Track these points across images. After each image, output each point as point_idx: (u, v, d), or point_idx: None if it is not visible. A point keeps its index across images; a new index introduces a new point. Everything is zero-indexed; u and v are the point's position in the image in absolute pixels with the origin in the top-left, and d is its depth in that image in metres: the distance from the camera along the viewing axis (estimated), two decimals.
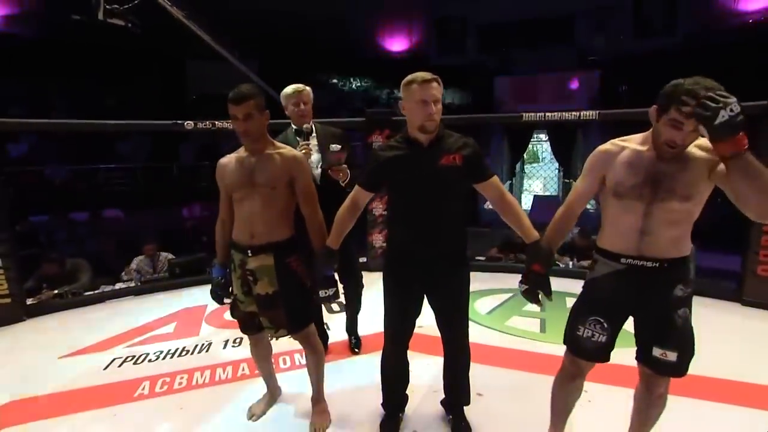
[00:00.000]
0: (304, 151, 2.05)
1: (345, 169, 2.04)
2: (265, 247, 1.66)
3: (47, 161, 8.33)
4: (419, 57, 12.43)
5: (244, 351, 2.54)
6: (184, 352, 2.58)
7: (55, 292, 3.59)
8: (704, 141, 1.28)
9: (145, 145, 10.36)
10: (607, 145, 1.42)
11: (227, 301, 1.81)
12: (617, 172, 1.35)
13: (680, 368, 1.37)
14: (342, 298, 2.40)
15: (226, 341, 2.70)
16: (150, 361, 2.50)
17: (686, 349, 1.36)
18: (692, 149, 1.27)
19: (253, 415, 1.93)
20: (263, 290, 1.68)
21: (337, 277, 1.73)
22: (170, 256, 4.24)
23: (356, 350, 2.47)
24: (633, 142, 1.37)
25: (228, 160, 1.72)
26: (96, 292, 3.66)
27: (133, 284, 3.90)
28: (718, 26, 9.78)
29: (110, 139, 9.82)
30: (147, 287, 3.78)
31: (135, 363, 2.47)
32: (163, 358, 2.51)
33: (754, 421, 1.85)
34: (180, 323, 3.03)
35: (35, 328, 3.10)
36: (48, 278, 3.67)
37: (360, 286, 2.46)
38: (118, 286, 3.96)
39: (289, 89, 2.22)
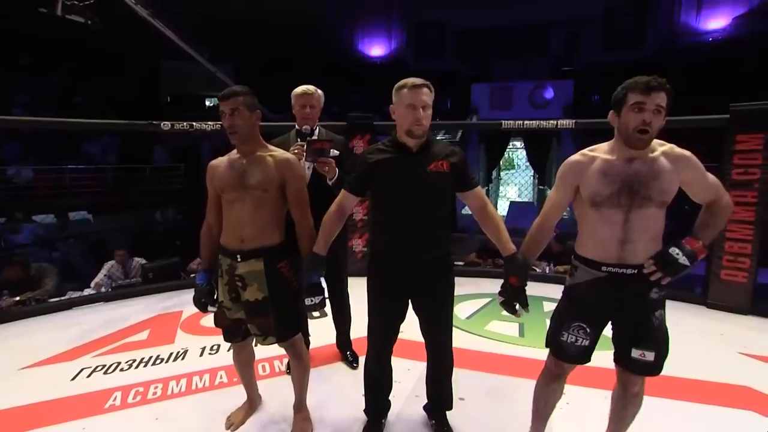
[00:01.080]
0: (296, 150, 2.01)
1: (332, 164, 1.97)
2: (255, 252, 1.62)
3: (8, 161, 7.94)
4: (397, 62, 12.54)
5: (222, 358, 2.49)
6: (158, 361, 2.49)
7: (17, 298, 3.41)
8: (671, 148, 1.36)
9: (114, 145, 10.03)
10: (576, 156, 1.47)
11: (212, 309, 1.74)
12: (592, 183, 1.40)
13: (656, 367, 1.42)
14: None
15: (203, 348, 2.62)
16: (122, 370, 2.39)
17: (662, 349, 1.42)
18: (661, 158, 1.34)
19: (232, 424, 1.87)
20: (252, 296, 1.64)
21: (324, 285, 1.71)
22: (143, 261, 4.10)
23: (355, 365, 2.37)
24: (601, 152, 1.43)
25: (219, 162, 1.69)
26: (63, 298, 3.50)
27: (103, 290, 3.75)
28: (681, 42, 10.31)
29: (77, 138, 9.45)
30: (118, 293, 3.64)
31: (105, 373, 2.37)
32: (136, 367, 2.41)
33: (719, 417, 1.94)
34: (154, 330, 2.92)
35: None
36: (10, 283, 3.48)
37: (347, 298, 2.42)
38: (87, 292, 3.81)
39: (299, 90, 2.20)
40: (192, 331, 2.90)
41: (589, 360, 1.51)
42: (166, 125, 3.40)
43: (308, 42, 11.43)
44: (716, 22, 10.33)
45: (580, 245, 1.49)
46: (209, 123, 3.57)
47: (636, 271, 1.37)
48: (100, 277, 4.00)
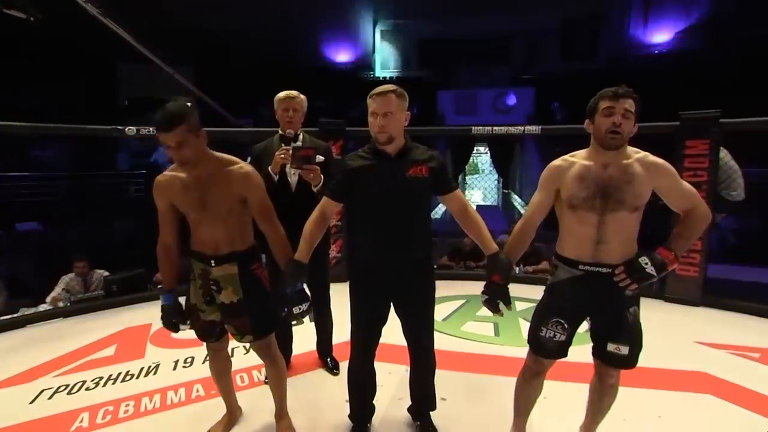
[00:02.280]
0: (282, 155, 2.00)
1: (317, 171, 1.94)
2: (228, 256, 1.61)
3: None
4: (363, 69, 12.63)
5: (197, 371, 2.41)
6: (128, 377, 2.37)
7: None
8: (645, 155, 1.46)
9: (67, 151, 9.47)
10: (558, 161, 1.56)
11: (184, 327, 1.70)
12: (570, 186, 1.49)
13: (631, 360, 1.52)
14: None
15: (176, 362, 2.52)
16: (88, 389, 2.26)
17: (636, 343, 1.51)
18: (635, 165, 1.44)
19: None
20: (228, 299, 1.62)
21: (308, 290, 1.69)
22: (105, 273, 3.89)
23: (336, 371, 2.36)
24: (579, 158, 1.52)
25: (169, 179, 1.57)
26: (15, 315, 3.26)
27: (61, 305, 3.53)
28: (631, 54, 11.03)
29: (23, 145, 8.85)
30: (79, 308, 3.42)
31: (69, 393, 2.23)
32: (104, 385, 2.29)
33: (680, 401, 2.08)
34: (121, 345, 2.78)
35: None
36: None
37: (329, 304, 2.40)
38: (42, 308, 3.57)
39: (281, 94, 2.18)
40: (163, 344, 2.78)
41: (566, 355, 1.58)
42: (131, 130, 3.27)
43: (272, 47, 11.31)
44: (661, 36, 11.13)
45: (559, 245, 1.57)
46: None
47: (610, 270, 1.45)
48: (57, 291, 3.77)
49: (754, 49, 8.87)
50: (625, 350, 1.49)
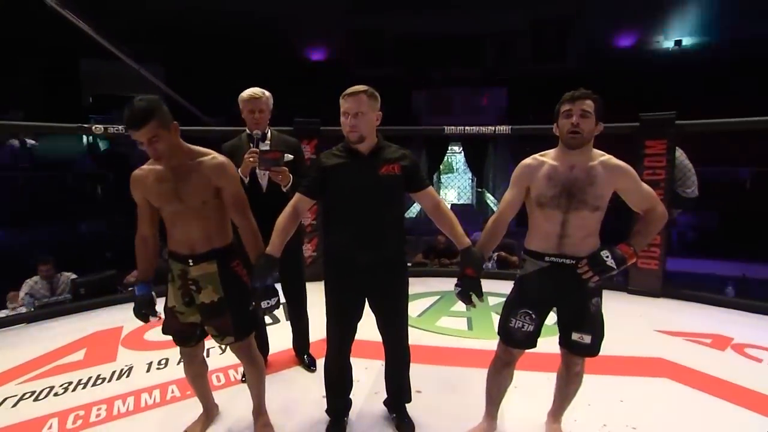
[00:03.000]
0: (251, 158, 1.99)
1: (285, 172, 1.96)
2: (207, 254, 1.60)
3: None
4: (337, 67, 12.58)
5: (172, 372, 2.38)
6: (99, 381, 2.32)
7: None
8: (608, 158, 1.56)
9: (24, 150, 9.03)
10: (528, 160, 1.65)
11: (153, 318, 1.68)
12: (539, 185, 1.58)
13: (594, 348, 1.62)
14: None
15: (150, 364, 2.48)
16: (56, 394, 2.20)
17: (598, 333, 1.61)
18: (598, 167, 1.53)
19: None
20: (208, 298, 1.61)
21: (279, 287, 1.71)
22: (73, 275, 3.76)
23: (312, 368, 2.38)
24: (549, 158, 1.61)
25: (144, 173, 1.57)
26: None
27: (24, 311, 3.39)
28: (599, 56, 11.45)
29: None
30: (45, 312, 3.30)
31: (36, 399, 2.16)
32: (74, 390, 2.23)
33: (638, 385, 2.21)
34: (91, 349, 2.71)
35: None
36: None
37: (305, 302, 2.40)
38: (4, 314, 3.43)
39: (246, 94, 2.12)
40: (136, 346, 2.73)
41: (535, 345, 1.67)
42: (98, 128, 3.17)
43: (245, 44, 11.12)
44: (625, 40, 11.60)
45: (527, 240, 1.67)
46: None
47: (574, 262, 1.55)
48: (20, 296, 3.62)
49: (718, 51, 9.40)
50: (587, 339, 1.59)
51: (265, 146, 2.12)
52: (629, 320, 3.11)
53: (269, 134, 2.21)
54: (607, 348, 2.52)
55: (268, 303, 1.60)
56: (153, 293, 1.68)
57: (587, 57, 11.54)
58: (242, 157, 2.02)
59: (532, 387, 2.13)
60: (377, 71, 12.43)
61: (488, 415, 1.84)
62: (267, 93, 2.18)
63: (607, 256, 1.50)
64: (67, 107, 10.13)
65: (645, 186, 1.58)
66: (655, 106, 3.63)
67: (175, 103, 8.49)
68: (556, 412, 1.81)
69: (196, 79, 10.32)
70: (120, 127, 3.31)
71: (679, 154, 3.46)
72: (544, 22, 12.14)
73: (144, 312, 1.66)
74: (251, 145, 2.11)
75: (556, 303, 1.65)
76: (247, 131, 2.19)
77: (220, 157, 1.59)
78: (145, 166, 1.58)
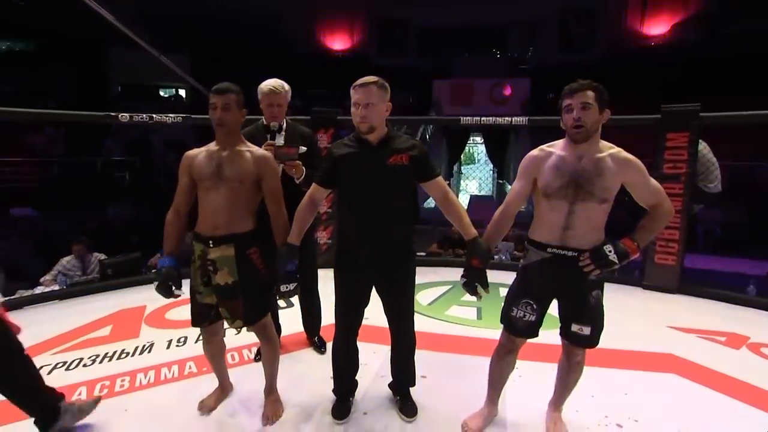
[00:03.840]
0: (267, 148, 2.04)
1: (299, 165, 2.05)
2: (226, 237, 1.70)
3: None
4: (359, 57, 12.55)
5: (190, 349, 2.51)
6: (123, 355, 2.47)
7: None
8: (618, 151, 1.55)
9: (61, 137, 9.44)
10: (536, 151, 1.65)
11: (177, 292, 1.75)
12: (546, 176, 1.58)
13: (593, 340, 1.63)
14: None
15: (170, 341, 2.62)
16: (85, 365, 2.36)
17: (597, 324, 1.62)
18: (607, 159, 1.52)
19: (205, 408, 1.93)
20: (223, 280, 1.71)
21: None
22: (102, 256, 3.97)
23: (322, 350, 2.47)
24: (557, 148, 1.61)
25: (196, 152, 1.76)
26: (13, 297, 3.35)
27: (57, 288, 3.61)
28: (627, 45, 11.04)
29: (16, 130, 8.82)
30: (76, 291, 3.51)
31: (67, 369, 2.33)
32: (101, 362, 2.39)
33: (647, 380, 2.21)
34: (117, 325, 2.88)
35: None
36: None
37: (316, 287, 2.49)
38: (39, 290, 3.65)
39: (266, 87, 2.16)
40: (157, 324, 2.88)
41: (536, 335, 1.70)
42: (124, 117, 3.31)
43: (269, 35, 11.23)
44: (658, 27, 11.14)
45: (531, 231, 1.68)
46: (170, 115, 3.52)
47: (576, 254, 1.55)
48: (53, 273, 3.85)
49: (747, 44, 8.93)
50: (587, 330, 1.60)
51: (280, 138, 2.19)
52: (641, 315, 3.08)
53: (284, 124, 2.26)
54: (615, 341, 2.55)
55: (287, 287, 1.72)
56: (177, 267, 1.76)
57: (616, 45, 11.14)
58: (259, 144, 2.09)
59: (535, 376, 2.16)
60: (399, 61, 12.37)
61: (489, 401, 1.88)
62: (287, 87, 2.22)
63: (610, 251, 1.51)
64: (95, 96, 10.49)
65: (653, 181, 1.56)
66: (684, 97, 3.50)
67: (199, 92, 8.68)
68: (557, 401, 1.84)
69: (220, 69, 10.52)
70: (145, 115, 3.45)
71: (702, 147, 3.35)
72: (571, 11, 11.79)
73: (169, 284, 1.72)
74: (267, 136, 2.17)
75: (557, 294, 1.66)
76: (263, 121, 2.25)
77: (267, 152, 1.81)
78: (199, 148, 1.78)
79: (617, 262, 1.51)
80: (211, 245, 1.70)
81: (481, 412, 1.87)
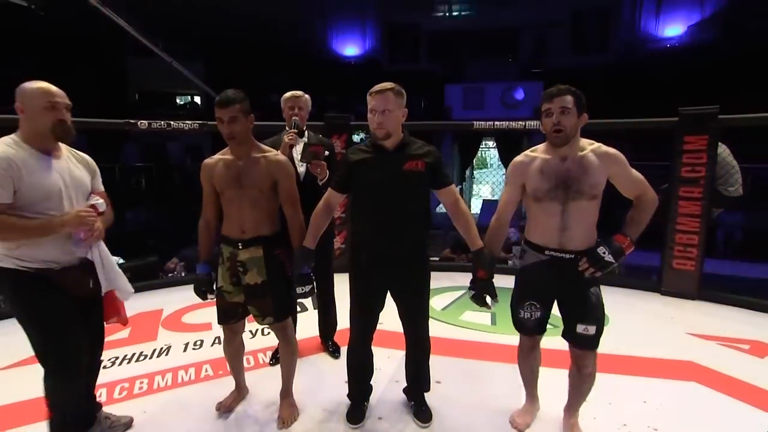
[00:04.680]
0: (290, 137, 2.13)
1: (324, 166, 2.10)
2: (255, 240, 1.75)
3: None
4: (371, 63, 12.63)
5: (206, 353, 2.55)
6: (141, 357, 2.52)
7: None
8: (598, 146, 1.58)
9: (80, 144, 9.67)
10: (520, 157, 1.70)
11: (211, 297, 1.86)
12: (533, 180, 1.62)
13: (596, 341, 1.63)
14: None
15: (186, 344, 2.66)
16: (105, 367, 2.39)
17: (600, 324, 1.62)
18: (590, 155, 1.56)
19: (221, 408, 1.96)
20: (253, 280, 1.76)
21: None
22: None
23: (336, 355, 2.49)
24: (540, 152, 1.65)
25: (214, 161, 1.79)
26: None
27: None
28: (641, 48, 10.90)
29: None
30: None
31: None
32: (119, 364, 2.44)
33: (666, 388, 2.16)
34: (135, 328, 2.92)
35: None
36: None
37: (332, 292, 2.51)
38: None
39: (288, 93, 2.33)
40: (174, 328, 2.93)
41: (545, 330, 1.75)
42: (143, 124, 3.39)
43: (281, 42, 11.38)
44: (673, 29, 10.97)
45: (528, 232, 1.72)
46: (187, 122, 3.59)
47: (573, 257, 1.58)
48: None
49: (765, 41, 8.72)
50: (592, 330, 1.60)
51: (300, 143, 2.24)
52: (660, 322, 3.02)
53: (306, 134, 2.35)
54: (633, 348, 2.51)
55: (302, 289, 1.76)
56: (212, 273, 1.85)
57: (630, 48, 11.00)
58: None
59: (549, 382, 2.12)
60: (410, 66, 12.40)
61: (529, 397, 1.92)
62: (306, 95, 2.37)
63: (604, 252, 1.54)
64: (114, 104, 10.75)
65: (635, 172, 1.60)
66: (703, 100, 3.43)
67: (212, 99, 8.85)
68: (572, 408, 1.82)
69: (234, 76, 10.70)
70: (163, 122, 3.53)
71: (722, 150, 3.29)
72: (585, 12, 11.69)
73: (204, 290, 1.84)
74: (287, 129, 2.25)
75: (557, 295, 1.68)
76: (287, 129, 2.32)
77: (282, 156, 1.82)
78: (215, 156, 1.81)
79: (614, 261, 1.54)
80: (240, 247, 1.76)
81: (524, 408, 1.91)
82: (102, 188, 1.76)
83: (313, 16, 12.16)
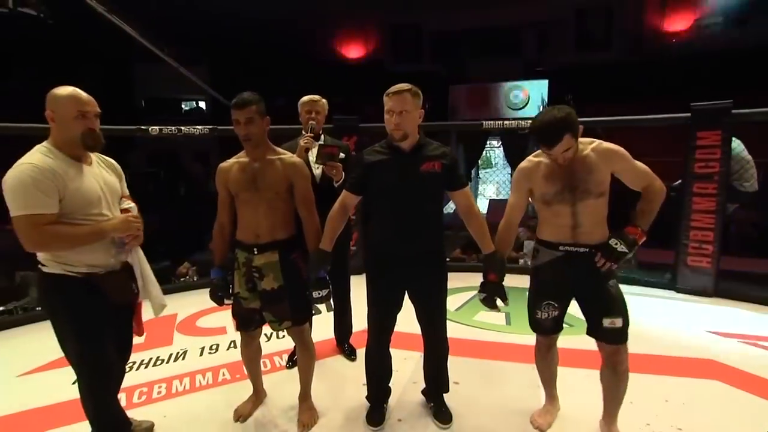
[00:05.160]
0: (306, 141, 2.14)
1: (339, 167, 2.10)
2: (270, 245, 1.75)
3: None
4: (374, 64, 12.64)
5: (222, 357, 2.56)
6: (159, 362, 2.53)
7: (1, 308, 3.37)
8: (598, 144, 1.59)
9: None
10: (525, 163, 1.71)
11: (228, 302, 1.85)
12: (540, 185, 1.64)
13: (624, 334, 1.60)
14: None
15: (202, 348, 2.67)
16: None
17: (625, 314, 1.60)
18: (591, 155, 1.57)
19: (240, 416, 1.95)
20: (269, 285, 1.75)
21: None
22: None
23: (353, 358, 2.49)
24: (544, 157, 1.65)
25: (229, 164, 1.79)
26: None
27: None
28: (647, 44, 10.81)
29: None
30: None
31: None
32: (137, 369, 2.45)
33: (689, 387, 2.13)
34: (150, 333, 2.87)
35: None
36: None
37: (348, 294, 2.51)
38: None
39: (306, 98, 2.34)
40: (189, 332, 2.94)
41: (561, 328, 1.74)
42: (155, 130, 3.42)
43: (284, 45, 11.42)
44: (679, 24, 10.88)
45: (539, 231, 1.72)
46: (198, 127, 3.61)
47: (587, 251, 1.59)
48: None
49: None
50: (619, 322, 1.59)
51: (316, 146, 2.21)
52: (677, 319, 2.99)
53: (322, 138, 2.36)
54: (651, 346, 2.48)
55: (319, 293, 1.74)
56: (228, 277, 1.85)
57: (635, 44, 10.91)
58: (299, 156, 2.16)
59: (571, 383, 2.11)
60: (414, 67, 12.39)
61: (549, 397, 1.91)
62: (324, 99, 2.39)
63: (617, 244, 1.55)
64: (122, 110, 10.84)
65: (639, 164, 1.60)
66: (712, 95, 3.40)
67: (218, 103, 8.88)
68: (611, 415, 1.73)
69: (239, 79, 10.74)
70: (173, 128, 3.55)
71: (736, 145, 3.26)
72: (588, 9, 11.63)
73: (220, 295, 1.84)
74: (303, 133, 2.26)
75: (575, 292, 1.68)
76: (303, 133, 2.33)
77: (297, 159, 1.82)
78: (230, 160, 1.80)
79: (628, 251, 1.55)
80: (256, 252, 1.75)
81: (544, 408, 1.90)
82: (127, 192, 1.78)
83: (316, 18, 12.19)
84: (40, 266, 1.51)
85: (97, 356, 1.53)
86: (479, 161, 12.53)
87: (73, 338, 1.52)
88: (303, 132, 2.31)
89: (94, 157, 1.64)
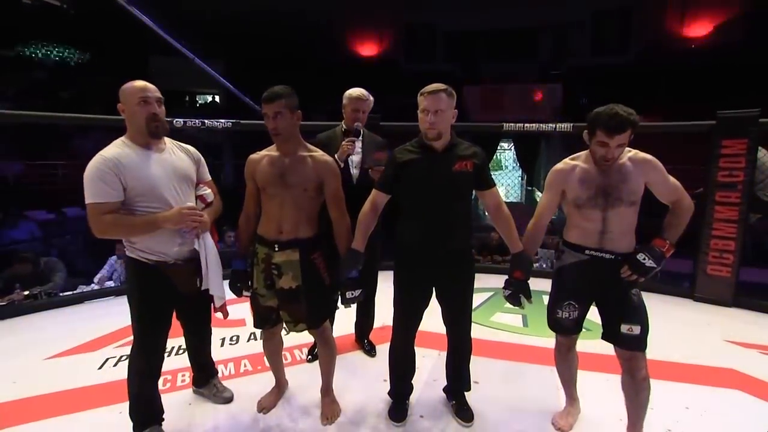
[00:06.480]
0: (348, 146, 2.13)
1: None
2: (291, 242, 1.72)
3: None
4: (389, 63, 12.64)
5: (243, 348, 2.60)
6: (181, 351, 2.56)
7: (26, 293, 3.44)
8: (635, 153, 1.60)
9: (106, 141, 9.88)
10: (560, 165, 1.71)
11: (246, 293, 1.85)
12: (574, 188, 1.64)
13: (642, 342, 1.61)
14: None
15: (223, 339, 2.71)
16: None
17: (645, 323, 1.61)
18: (628, 163, 1.58)
19: (264, 408, 1.99)
20: (287, 284, 1.74)
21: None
22: None
23: (373, 354, 2.50)
24: (580, 161, 1.67)
25: (259, 156, 1.77)
26: (75, 292, 3.54)
27: (111, 284, 3.79)
28: (665, 48, 10.68)
29: (66, 134, 9.29)
30: (125, 288, 3.67)
31: None
32: None
33: (709, 396, 2.13)
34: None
35: (9, 330, 2.96)
36: (20, 278, 3.51)
37: (374, 292, 2.51)
38: (92, 287, 3.84)
39: (355, 93, 2.29)
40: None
41: (581, 329, 1.76)
42: (178, 122, 3.46)
43: (300, 42, 11.47)
44: (699, 29, 10.73)
45: (566, 233, 1.73)
46: (221, 120, 3.66)
47: (613, 258, 1.60)
48: (104, 272, 4.04)
49: None
50: (636, 330, 1.59)
51: (358, 141, 2.24)
52: (696, 328, 2.97)
53: (363, 133, 2.35)
54: (670, 353, 2.47)
55: (352, 294, 1.74)
56: (248, 269, 1.85)
57: (653, 47, 10.78)
58: (336, 147, 2.17)
59: (588, 387, 2.11)
60: (427, 66, 12.38)
61: (569, 398, 1.93)
62: (371, 97, 2.34)
63: (645, 259, 1.56)
64: None
65: (671, 178, 1.61)
66: (732, 102, 3.37)
67: (234, 97, 8.94)
68: (634, 424, 1.71)
69: (255, 75, 10.81)
70: (197, 121, 3.60)
71: (762, 154, 3.23)
72: (606, 12, 11.52)
73: (239, 285, 1.84)
74: (344, 137, 2.24)
75: (596, 296, 1.69)
76: (344, 126, 2.33)
77: (329, 157, 1.79)
78: (261, 152, 1.80)
79: (656, 266, 1.56)
80: (276, 249, 1.73)
81: (565, 410, 1.92)
82: (209, 177, 1.82)
83: (331, 16, 12.21)
84: (125, 250, 1.67)
85: (146, 336, 1.67)
86: (489, 164, 12.51)
87: (135, 318, 1.66)
88: (343, 124, 2.29)
89: (169, 143, 1.70)
